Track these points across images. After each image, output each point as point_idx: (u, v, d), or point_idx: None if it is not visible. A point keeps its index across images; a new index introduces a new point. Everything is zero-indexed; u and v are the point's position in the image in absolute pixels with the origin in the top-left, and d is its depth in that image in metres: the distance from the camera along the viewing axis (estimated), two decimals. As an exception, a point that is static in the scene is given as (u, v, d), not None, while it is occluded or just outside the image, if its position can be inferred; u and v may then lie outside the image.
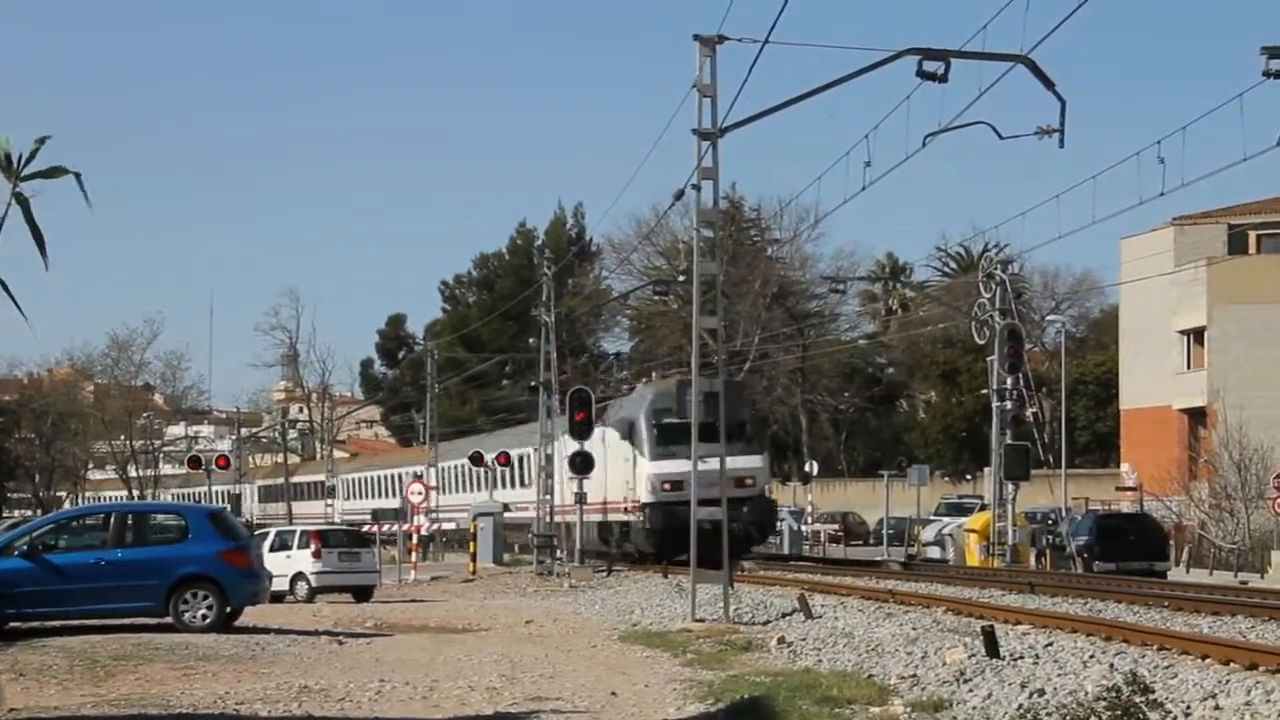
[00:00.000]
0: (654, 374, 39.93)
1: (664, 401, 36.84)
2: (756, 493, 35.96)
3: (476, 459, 54.05)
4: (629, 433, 37.40)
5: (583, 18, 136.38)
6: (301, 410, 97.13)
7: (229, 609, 20.55)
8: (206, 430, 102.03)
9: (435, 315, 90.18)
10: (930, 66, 20.19)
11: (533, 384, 49.51)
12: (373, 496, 71.37)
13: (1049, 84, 20.50)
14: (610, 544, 40.30)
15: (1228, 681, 11.07)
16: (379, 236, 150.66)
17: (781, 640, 16.93)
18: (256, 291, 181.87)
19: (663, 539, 35.27)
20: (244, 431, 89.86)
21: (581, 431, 40.40)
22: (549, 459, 45.42)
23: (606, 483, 39.88)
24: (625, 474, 37.72)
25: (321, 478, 79.18)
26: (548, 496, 45.02)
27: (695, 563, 22.50)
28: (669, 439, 35.31)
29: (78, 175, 6.98)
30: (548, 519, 45.24)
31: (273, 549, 31.10)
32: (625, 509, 37.65)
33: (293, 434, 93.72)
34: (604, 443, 39.96)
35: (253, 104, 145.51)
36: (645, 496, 35.74)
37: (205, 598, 20.23)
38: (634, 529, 37.16)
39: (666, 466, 35.09)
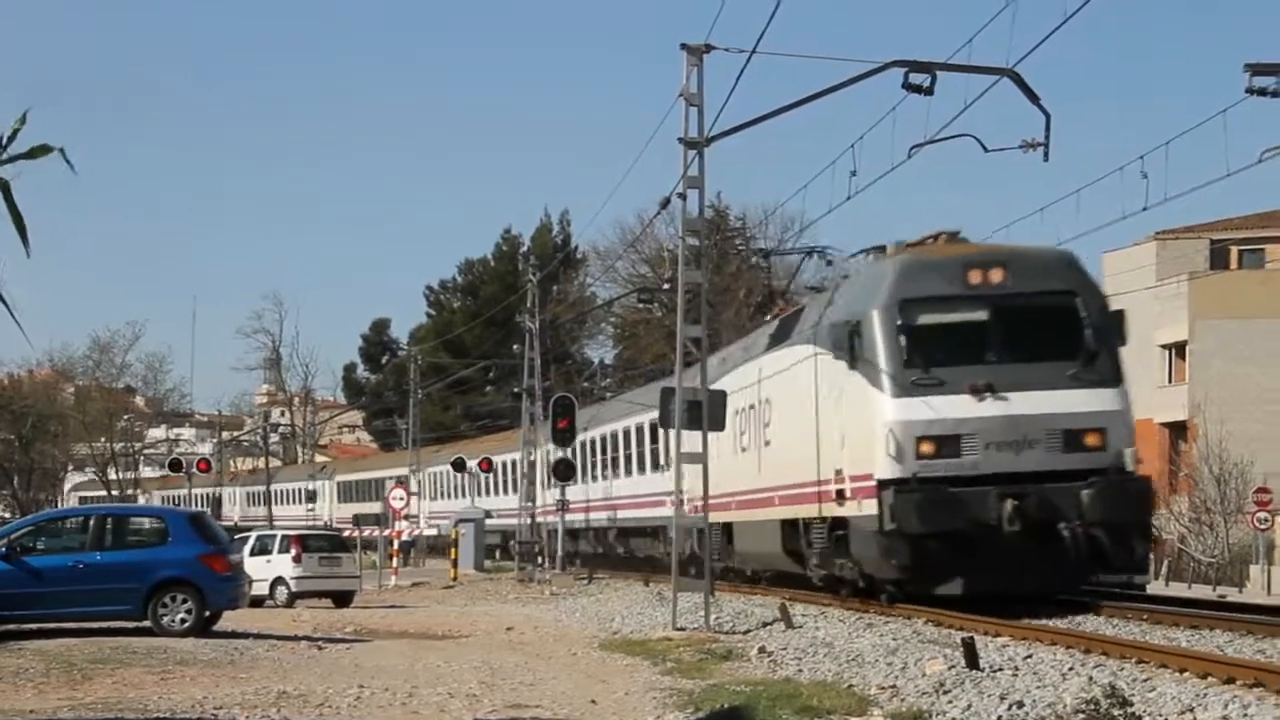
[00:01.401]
0: (887, 247, 21.88)
1: (919, 284, 19.90)
2: (1109, 461, 19.22)
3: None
4: (846, 346, 20.06)
5: (570, 25, 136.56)
6: (283, 414, 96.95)
7: (208, 613, 20.51)
8: (188, 433, 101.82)
9: (419, 320, 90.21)
10: (916, 79, 20.24)
11: (516, 390, 49.57)
12: (454, 495, 59.20)
13: (1034, 98, 20.56)
14: (805, 563, 23.20)
15: (1205, 695, 11.09)
16: (364, 241, 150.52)
17: (762, 649, 16.93)
18: (240, 295, 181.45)
19: (921, 552, 18.81)
20: (225, 435, 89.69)
21: (564, 439, 40.38)
22: (531, 465, 45.46)
23: (784, 446, 23.65)
24: (832, 427, 20.88)
25: (403, 470, 69.89)
26: (529, 503, 45.06)
27: (676, 570, 22.46)
28: (934, 354, 19.47)
29: (62, 150, 6.76)
30: (530, 525, 45.27)
31: (253, 553, 31.08)
32: (834, 495, 20.79)
33: (274, 438, 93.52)
34: (774, 375, 24.19)
35: (237, 107, 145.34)
36: (884, 468, 19.08)
37: (184, 601, 20.17)
38: (856, 534, 20.21)
39: (927, 408, 19.13)
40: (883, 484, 19.04)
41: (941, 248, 20.93)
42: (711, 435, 26.14)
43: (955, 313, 19.79)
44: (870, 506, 19.35)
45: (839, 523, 20.94)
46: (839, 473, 20.64)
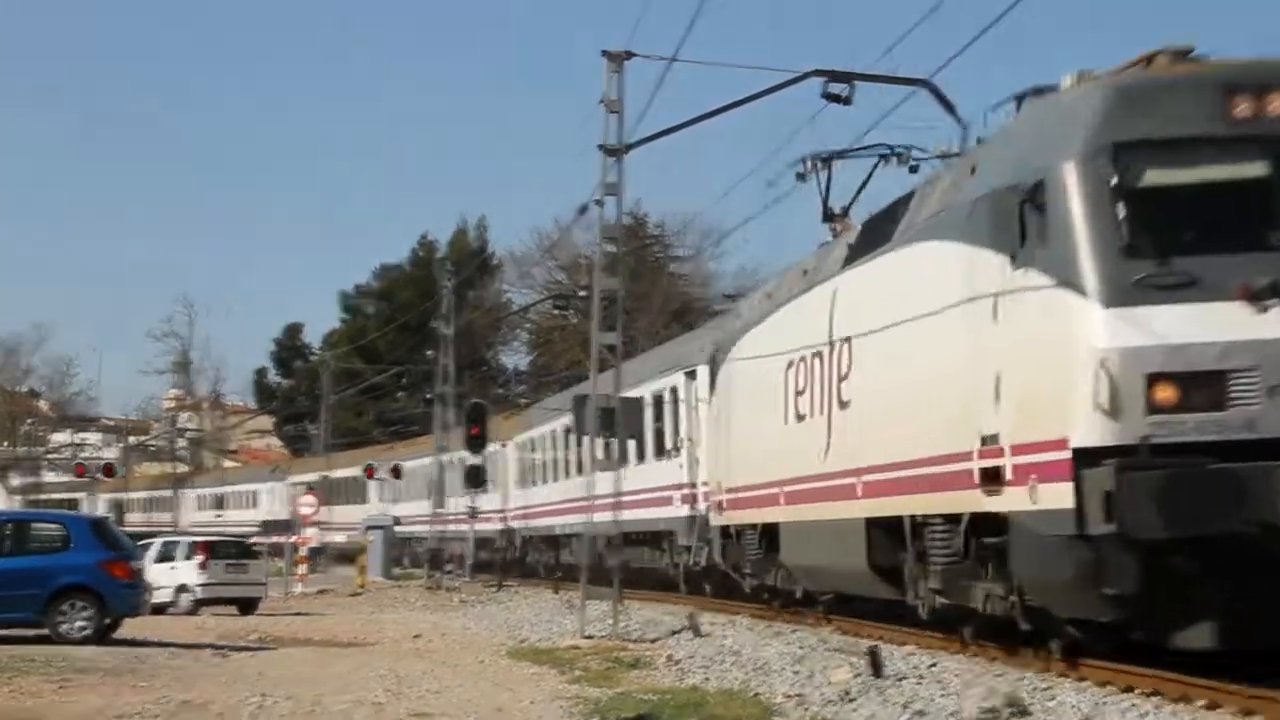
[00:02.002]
0: (1064, 80, 13.31)
1: (1146, 118, 11.94)
2: None
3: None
4: (1011, 228, 12.70)
5: (487, 29, 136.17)
6: (192, 419, 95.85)
7: (108, 620, 20.22)
8: (93, 438, 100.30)
9: (333, 325, 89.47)
10: (835, 88, 20.44)
11: (429, 396, 49.33)
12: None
13: (950, 108, 20.77)
14: (908, 586, 15.86)
15: (1104, 704, 11.26)
16: (278, 245, 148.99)
17: (670, 658, 16.95)
18: (150, 298, 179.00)
19: (1162, 574, 11.20)
20: (132, 439, 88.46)
21: (477, 446, 40.19)
22: (441, 471, 45.27)
23: (878, 405, 15.99)
24: (976, 365, 13.31)
25: (356, 470, 59.68)
26: (440, 510, 44.88)
27: (585, 577, 22.43)
28: (1176, 234, 11.75)
29: None
30: (441, 532, 45.06)
31: (157, 560, 30.71)
32: (978, 477, 13.32)
33: (182, 442, 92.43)
34: (858, 300, 16.62)
35: (147, 107, 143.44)
36: (1090, 428, 11.44)
37: (84, 608, 19.90)
38: (1024, 540, 12.71)
39: (1167, 326, 11.37)
40: (1086, 456, 11.44)
41: (1174, 67, 12.54)
42: (745, 401, 20.99)
43: (1213, 164, 11.97)
44: (1057, 495, 11.75)
45: (985, 522, 13.46)
46: (989, 440, 12.97)
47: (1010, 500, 12.73)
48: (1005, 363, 12.78)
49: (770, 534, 20.46)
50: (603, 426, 22.40)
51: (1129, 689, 11.99)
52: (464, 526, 43.96)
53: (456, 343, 47.61)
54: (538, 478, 39.54)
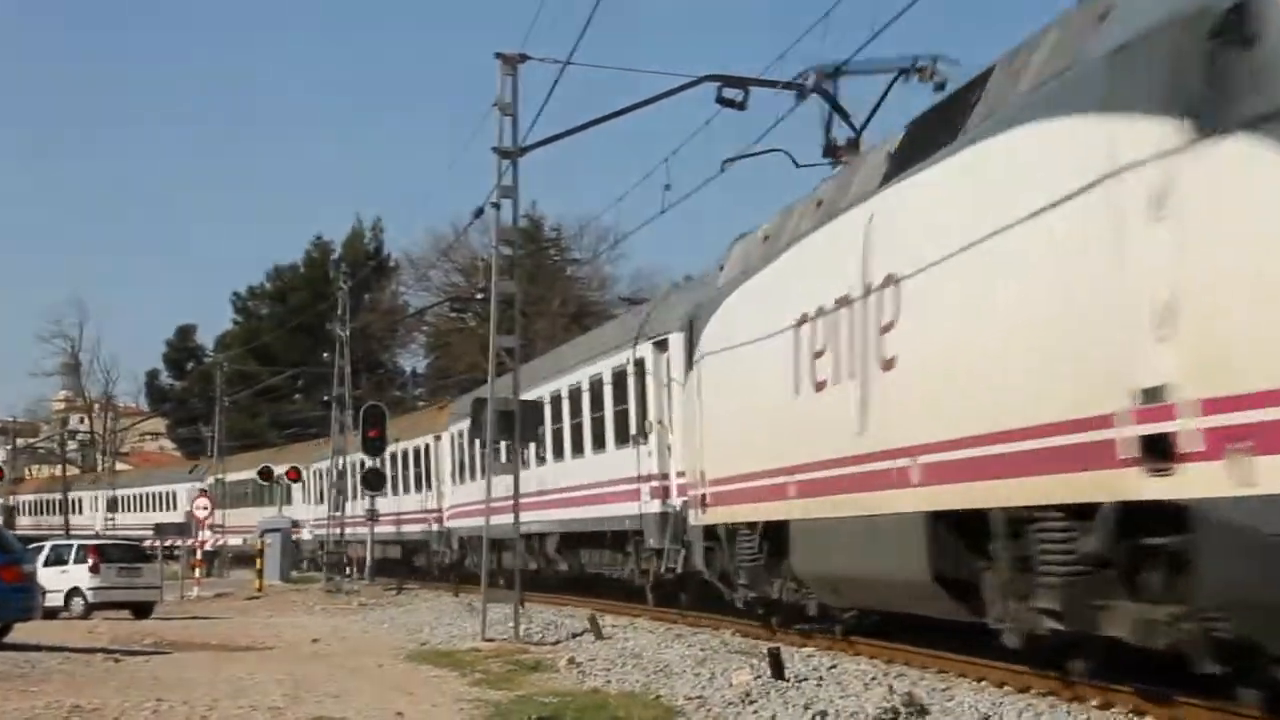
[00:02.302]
0: None
1: None
2: None
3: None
4: (1197, 77, 8.40)
5: (383, 29, 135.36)
6: (83, 421, 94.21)
7: (-2, 625, 19.83)
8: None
9: (226, 327, 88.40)
10: (729, 93, 20.56)
11: (325, 399, 48.95)
12: None
13: (844, 115, 20.97)
14: (990, 603, 11.77)
15: (1001, 704, 11.42)
16: (170, 245, 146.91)
17: (571, 660, 16.95)
18: (38, 298, 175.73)
19: None
20: (20, 442, 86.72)
21: (374, 448, 39.88)
22: (341, 475, 44.90)
23: (943, 358, 11.82)
24: (1124, 285, 9.13)
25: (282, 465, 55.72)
26: (337, 513, 44.50)
27: (487, 580, 22.37)
28: None
29: None
30: (339, 534, 44.69)
31: (47, 563, 30.20)
32: (1135, 449, 9.07)
33: (72, 445, 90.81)
34: (909, 223, 12.57)
35: (36, 105, 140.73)
36: None
37: (-29, 613, 19.49)
38: (1230, 544, 8.19)
39: None
40: None
41: None
42: (737, 371, 17.19)
43: None
44: None
45: (1142, 517, 9.38)
46: (1151, 395, 9.00)
47: (1194, 482, 8.59)
48: (1182, 278, 8.63)
49: (775, 535, 16.39)
50: (503, 430, 22.31)
51: (1026, 689, 12.18)
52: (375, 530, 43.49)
53: (353, 345, 47.27)
54: (477, 473, 33.97)
